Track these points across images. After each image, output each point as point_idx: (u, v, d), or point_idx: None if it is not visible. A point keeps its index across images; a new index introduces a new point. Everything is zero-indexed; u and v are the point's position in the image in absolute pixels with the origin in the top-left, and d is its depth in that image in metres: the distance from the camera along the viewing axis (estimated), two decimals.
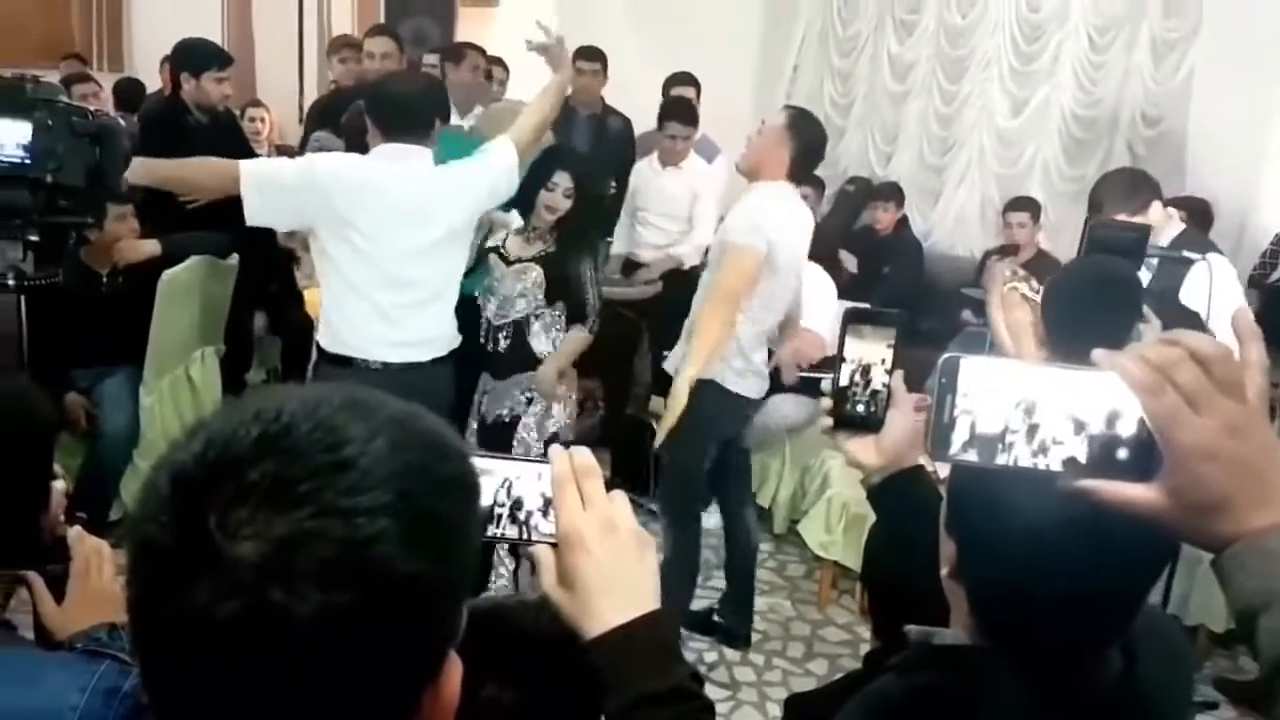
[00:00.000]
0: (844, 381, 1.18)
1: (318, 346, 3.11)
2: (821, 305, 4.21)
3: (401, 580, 0.64)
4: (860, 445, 1.21)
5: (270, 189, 2.87)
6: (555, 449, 0.93)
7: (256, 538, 0.61)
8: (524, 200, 3.34)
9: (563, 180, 3.31)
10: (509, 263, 3.36)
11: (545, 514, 0.94)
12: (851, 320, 1.17)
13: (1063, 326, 2.49)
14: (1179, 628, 1.06)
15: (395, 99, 3.03)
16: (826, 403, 1.19)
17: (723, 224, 3.38)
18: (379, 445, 0.66)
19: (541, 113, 3.37)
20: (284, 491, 0.62)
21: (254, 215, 2.90)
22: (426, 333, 3.08)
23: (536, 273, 3.33)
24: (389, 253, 2.94)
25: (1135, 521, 0.76)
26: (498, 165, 3.16)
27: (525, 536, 0.96)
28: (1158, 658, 1.02)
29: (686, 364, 3.18)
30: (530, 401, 3.33)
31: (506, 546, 3.00)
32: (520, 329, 3.34)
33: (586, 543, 0.90)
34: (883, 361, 1.17)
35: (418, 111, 3.01)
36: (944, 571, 1.03)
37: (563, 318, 3.36)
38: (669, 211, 5.06)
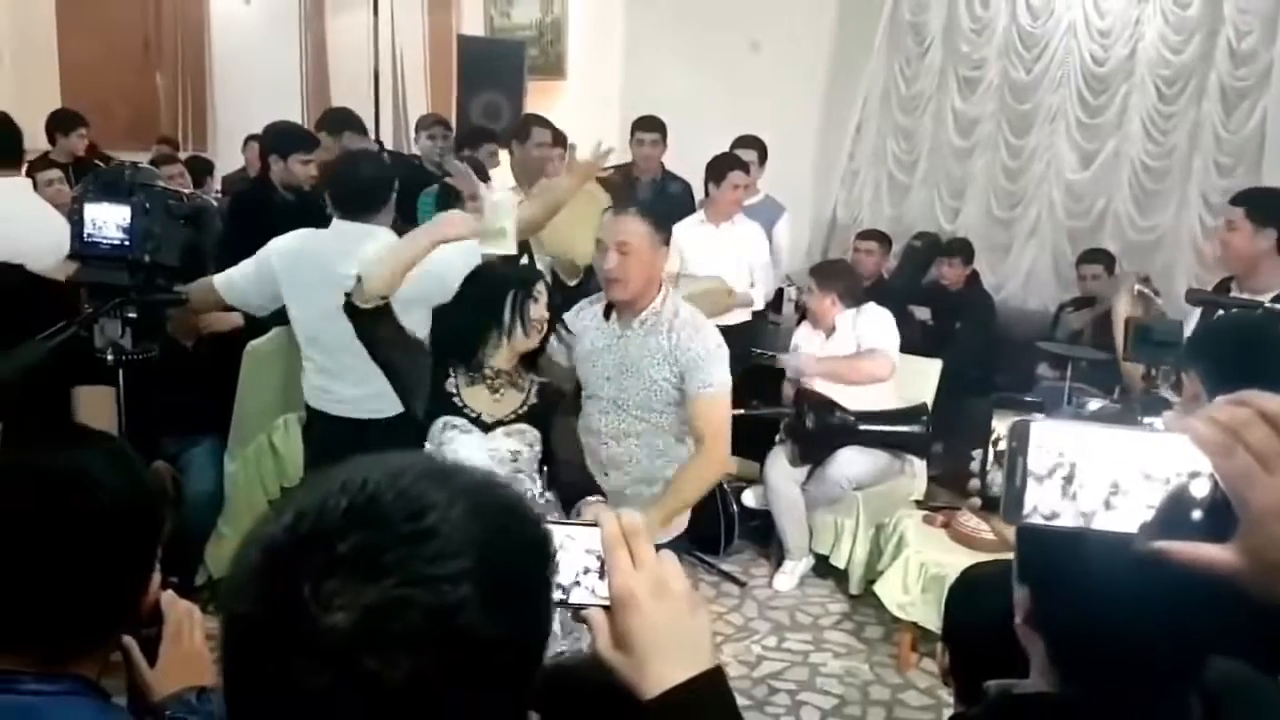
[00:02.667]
0: (992, 463, 1.21)
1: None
2: (883, 333, 4.42)
3: (485, 643, 0.66)
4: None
5: (242, 285, 3.21)
6: (603, 511, 0.93)
7: (348, 608, 0.64)
8: (467, 339, 2.39)
9: (542, 289, 2.44)
10: (486, 427, 2.37)
11: (600, 576, 0.94)
12: (998, 404, 1.21)
13: (1224, 383, 2.39)
14: (1269, 682, 1.05)
15: (345, 182, 3.26)
16: (975, 484, 1.23)
17: (691, 354, 2.70)
18: (458, 512, 0.68)
19: (534, 213, 3.21)
20: (372, 561, 0.65)
21: (254, 311, 3.34)
22: (362, 394, 3.08)
23: (528, 438, 2.39)
24: (315, 318, 3.14)
25: (1210, 579, 0.75)
26: (454, 259, 3.05)
27: (579, 600, 0.95)
28: (1244, 710, 1.01)
29: (654, 513, 2.60)
30: None
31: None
32: None
33: (639, 604, 0.89)
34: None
35: (365, 194, 3.21)
36: (1018, 619, 1.04)
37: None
38: (723, 269, 5.06)
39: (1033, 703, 1.02)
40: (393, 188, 3.31)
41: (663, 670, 0.88)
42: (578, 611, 0.94)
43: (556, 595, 0.94)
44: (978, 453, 1.26)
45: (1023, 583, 1.03)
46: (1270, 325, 2.62)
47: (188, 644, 1.45)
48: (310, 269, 3.14)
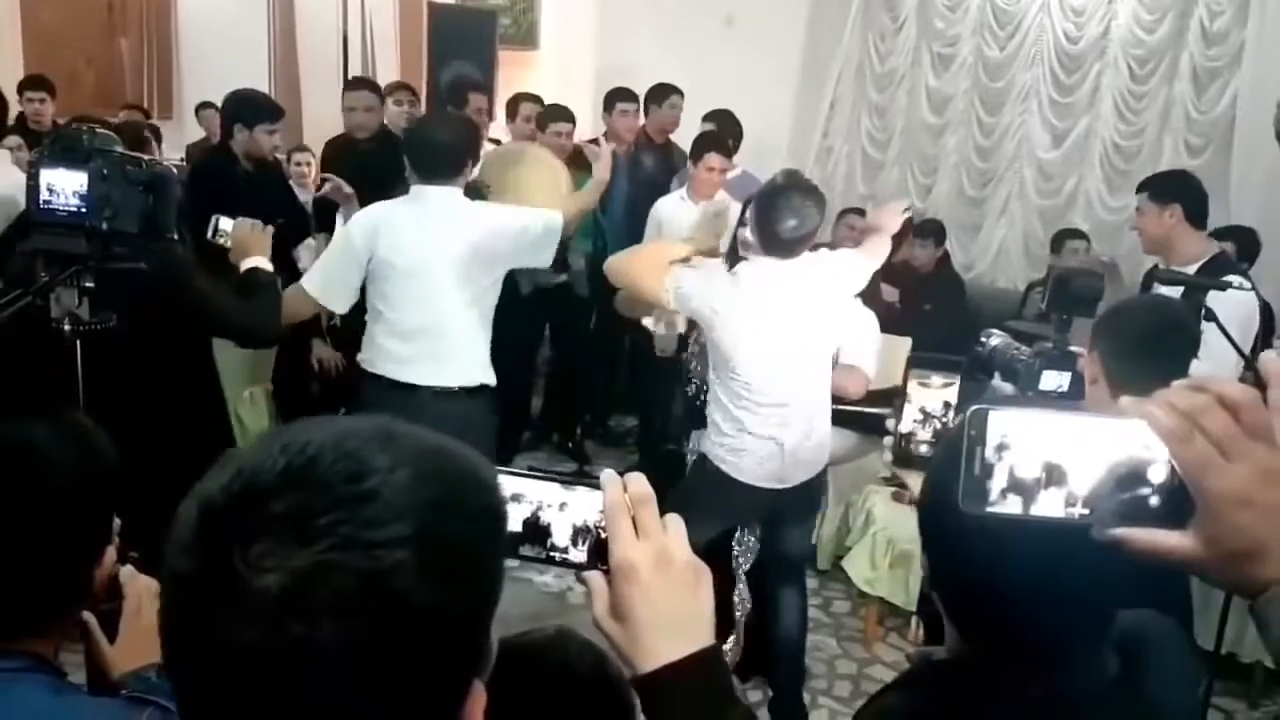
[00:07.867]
0: (907, 423, 1.20)
1: (359, 362, 3.30)
2: (861, 340, 4.15)
3: (420, 612, 0.65)
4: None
5: (325, 279, 3.17)
6: (608, 474, 0.88)
7: (278, 570, 0.62)
8: None
9: None
10: None
11: (596, 541, 0.90)
12: (915, 364, 1.20)
13: (1125, 366, 2.36)
14: (1185, 637, 1.07)
15: (428, 143, 3.18)
16: (889, 440, 1.23)
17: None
18: (401, 476, 0.66)
19: (582, 202, 3.67)
20: (305, 524, 0.63)
21: (343, 306, 3.24)
22: (436, 362, 3.16)
23: None
24: (401, 283, 3.13)
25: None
26: (535, 222, 3.25)
27: (575, 560, 0.91)
28: (1160, 663, 1.02)
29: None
30: None
31: None
32: None
33: (640, 574, 0.85)
34: (946, 404, 1.19)
35: (447, 156, 3.14)
36: (928, 587, 1.05)
37: None
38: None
39: (949, 667, 1.03)
40: (470, 150, 3.26)
41: (658, 645, 0.85)
42: (579, 572, 0.90)
43: (556, 554, 0.91)
44: (890, 422, 1.27)
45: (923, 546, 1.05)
46: (1181, 312, 2.58)
47: (148, 619, 1.42)
48: (407, 233, 3.11)
